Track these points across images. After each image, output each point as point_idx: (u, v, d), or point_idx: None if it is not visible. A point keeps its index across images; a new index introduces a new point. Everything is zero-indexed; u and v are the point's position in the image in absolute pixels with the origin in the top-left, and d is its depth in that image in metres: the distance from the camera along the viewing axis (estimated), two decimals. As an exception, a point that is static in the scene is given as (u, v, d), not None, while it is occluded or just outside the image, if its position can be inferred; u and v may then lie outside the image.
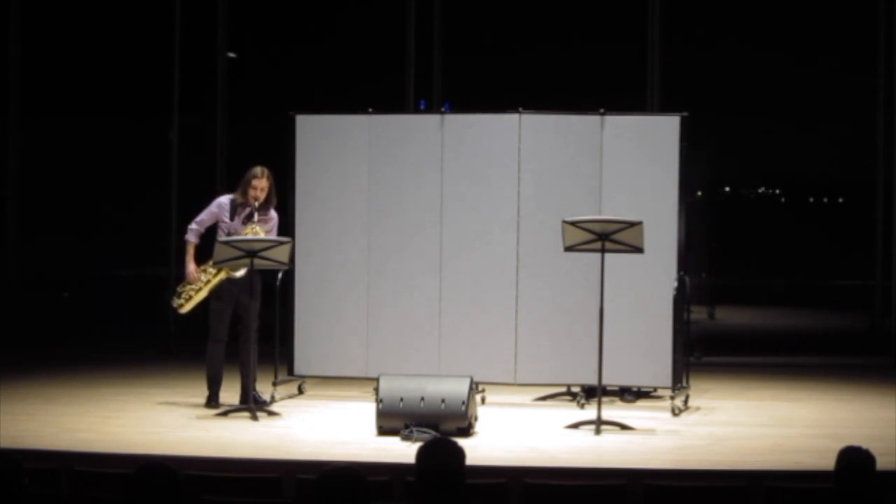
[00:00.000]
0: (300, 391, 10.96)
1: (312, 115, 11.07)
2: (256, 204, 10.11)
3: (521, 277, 10.60)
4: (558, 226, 9.56)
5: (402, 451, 8.43)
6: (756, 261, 21.00)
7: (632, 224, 9.38)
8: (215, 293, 10.20)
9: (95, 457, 8.11)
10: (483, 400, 10.34)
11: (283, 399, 10.57)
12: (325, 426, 9.54)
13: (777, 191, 25.53)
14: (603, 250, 9.42)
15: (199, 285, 10.23)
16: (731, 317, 18.44)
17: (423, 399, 9.09)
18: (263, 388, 10.37)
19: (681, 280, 10.36)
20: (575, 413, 9.94)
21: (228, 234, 10.13)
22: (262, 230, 10.11)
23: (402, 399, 9.09)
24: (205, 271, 10.22)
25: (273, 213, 10.32)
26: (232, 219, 10.22)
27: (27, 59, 14.77)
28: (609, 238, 9.38)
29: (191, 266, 10.25)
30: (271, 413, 9.92)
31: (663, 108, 12.96)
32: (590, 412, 9.65)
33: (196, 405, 10.18)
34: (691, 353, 11.58)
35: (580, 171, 10.55)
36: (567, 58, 15.50)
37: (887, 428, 9.28)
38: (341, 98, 14.09)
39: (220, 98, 14.39)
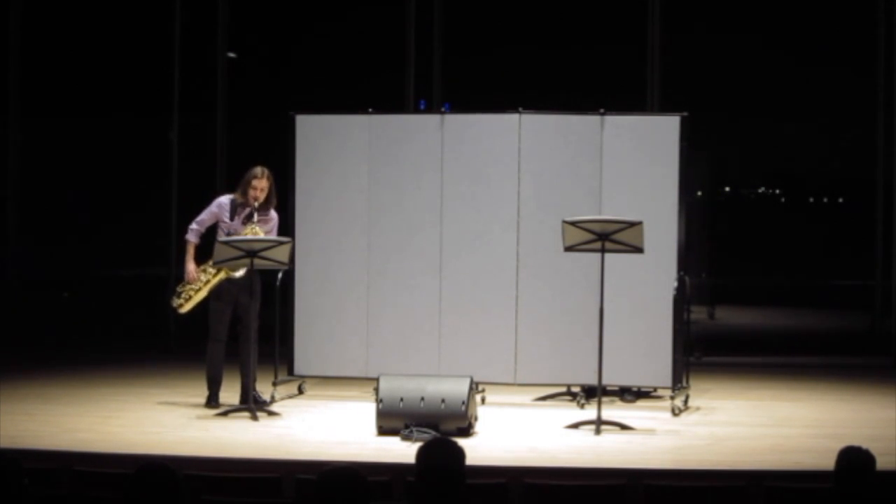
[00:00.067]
0: (300, 391, 10.96)
1: (312, 115, 11.07)
2: (256, 204, 10.11)
3: (521, 277, 10.60)
4: (558, 226, 9.56)
5: (402, 451, 8.42)
6: (756, 261, 21.00)
7: (632, 224, 9.38)
8: (214, 293, 10.20)
9: (95, 457, 8.11)
10: (483, 400, 10.34)
11: (283, 399, 10.57)
12: (325, 426, 9.53)
13: (777, 191, 25.53)
14: (603, 250, 9.42)
15: (198, 285, 10.23)
16: (731, 317, 18.44)
17: (423, 399, 9.09)
18: (263, 388, 10.37)
19: (681, 280, 10.36)
20: (575, 413, 9.93)
21: (228, 234, 10.13)
22: (261, 230, 10.11)
23: (402, 399, 9.09)
24: (204, 271, 10.22)
25: (273, 214, 10.32)
26: (232, 219, 10.22)
27: (27, 59, 14.77)
28: (609, 238, 9.38)
29: (190, 266, 10.25)
30: (271, 413, 9.92)
31: (663, 108, 12.96)
32: (590, 412, 9.65)
33: (196, 405, 10.18)
34: (691, 353, 11.58)
35: (580, 171, 10.55)
36: (567, 58, 15.51)
37: (887, 428, 9.28)
38: (341, 98, 14.08)
39: (220, 98, 14.38)
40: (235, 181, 10.39)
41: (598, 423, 9.24)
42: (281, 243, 9.87)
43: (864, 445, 5.56)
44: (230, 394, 10.20)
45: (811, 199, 25.40)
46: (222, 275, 10.14)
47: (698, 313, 15.97)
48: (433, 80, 14.17)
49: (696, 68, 15.80)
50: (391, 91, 14.15)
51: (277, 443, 8.80)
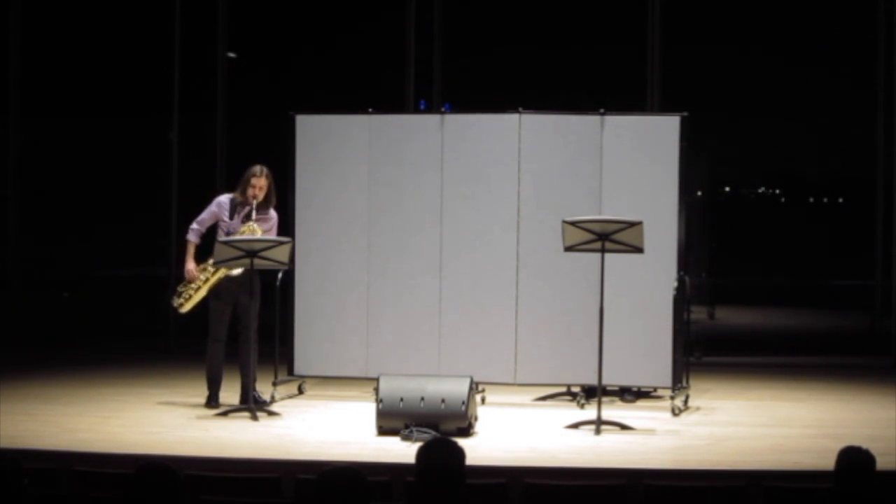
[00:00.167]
0: (300, 391, 10.96)
1: (312, 115, 11.07)
2: (255, 202, 10.11)
3: (521, 277, 10.60)
4: (558, 226, 9.56)
5: (402, 451, 8.42)
6: (756, 261, 21.00)
7: (632, 224, 9.38)
8: (214, 292, 10.20)
9: (95, 457, 8.10)
10: (483, 400, 10.34)
11: (283, 399, 10.56)
12: (325, 426, 9.53)
13: (777, 191, 25.54)
14: (603, 250, 9.42)
15: (198, 284, 10.23)
16: (731, 317, 18.44)
17: (423, 399, 9.09)
18: (263, 388, 10.37)
19: (681, 280, 10.36)
20: (575, 413, 9.93)
21: (228, 233, 10.13)
22: (259, 228, 10.10)
23: (402, 399, 9.08)
24: (204, 269, 10.22)
25: (273, 213, 10.31)
26: (231, 218, 10.22)
27: (27, 59, 14.77)
28: (609, 238, 9.38)
29: (190, 265, 10.25)
30: (271, 413, 9.92)
31: (663, 108, 12.96)
32: (590, 412, 9.65)
33: (196, 405, 10.18)
34: (691, 353, 11.57)
35: (580, 171, 10.55)
36: (567, 58, 15.51)
37: (887, 428, 9.28)
38: (341, 98, 14.09)
39: (220, 98, 14.38)
40: (235, 181, 10.39)
41: (598, 423, 9.24)
42: (281, 243, 9.87)
43: (864, 445, 5.56)
44: (230, 394, 10.20)
45: (811, 199, 25.41)
46: (221, 273, 10.15)
47: (698, 313, 15.97)
48: (433, 80, 14.17)
49: (696, 68, 15.81)
50: (391, 91, 14.16)
51: (277, 443, 8.79)
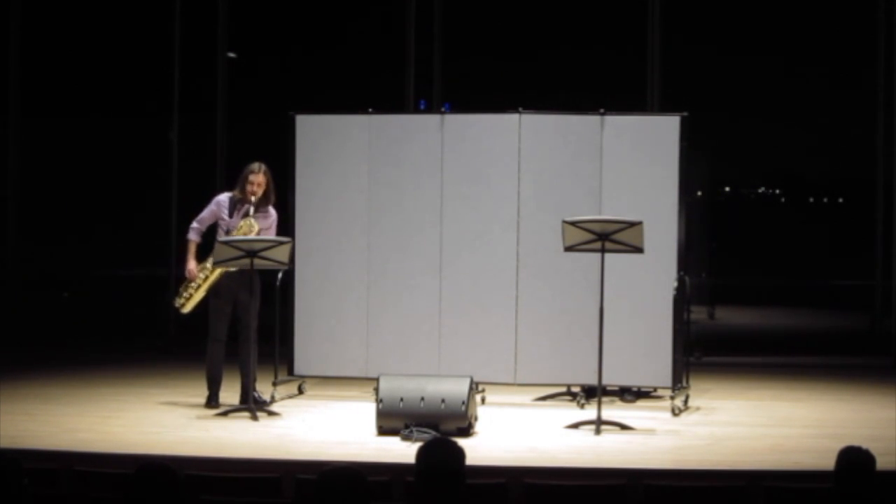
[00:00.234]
0: (300, 391, 10.96)
1: (312, 115, 11.07)
2: (253, 199, 10.10)
3: (521, 277, 10.60)
4: (558, 226, 9.56)
5: (402, 451, 8.42)
6: (756, 261, 20.99)
7: (632, 224, 9.38)
8: (213, 290, 10.20)
9: (95, 457, 8.10)
10: (483, 400, 10.34)
11: (283, 399, 10.56)
12: (325, 426, 9.53)
13: (777, 191, 25.53)
14: (603, 250, 9.42)
15: (198, 283, 10.23)
16: (731, 317, 18.44)
17: (423, 399, 9.09)
18: (263, 388, 10.36)
19: (681, 280, 10.36)
20: (575, 413, 9.93)
21: (227, 231, 10.14)
22: (257, 223, 10.09)
23: (402, 399, 9.08)
24: (203, 269, 10.22)
25: (272, 211, 10.31)
26: (231, 216, 10.22)
27: (27, 59, 14.77)
28: (609, 238, 9.38)
29: (191, 264, 10.26)
30: (271, 413, 9.92)
31: (663, 108, 12.96)
32: (590, 412, 9.65)
33: (196, 405, 10.18)
34: (691, 353, 11.57)
35: (580, 171, 10.54)
36: (567, 58, 15.51)
37: (887, 428, 9.28)
38: (341, 98, 14.08)
39: (220, 98, 14.39)
40: (235, 181, 10.39)
41: (598, 423, 9.24)
42: (281, 243, 9.87)
43: (864, 445, 5.56)
44: (230, 394, 10.20)
45: (811, 199, 25.40)
46: (219, 271, 10.14)
47: (698, 313, 15.97)
48: (433, 80, 14.17)
49: (696, 68, 15.80)
50: (391, 91, 14.16)
51: (277, 443, 8.79)
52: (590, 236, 9.40)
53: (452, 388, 9.12)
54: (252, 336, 10.11)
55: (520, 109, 10.66)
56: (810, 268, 21.04)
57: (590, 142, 10.54)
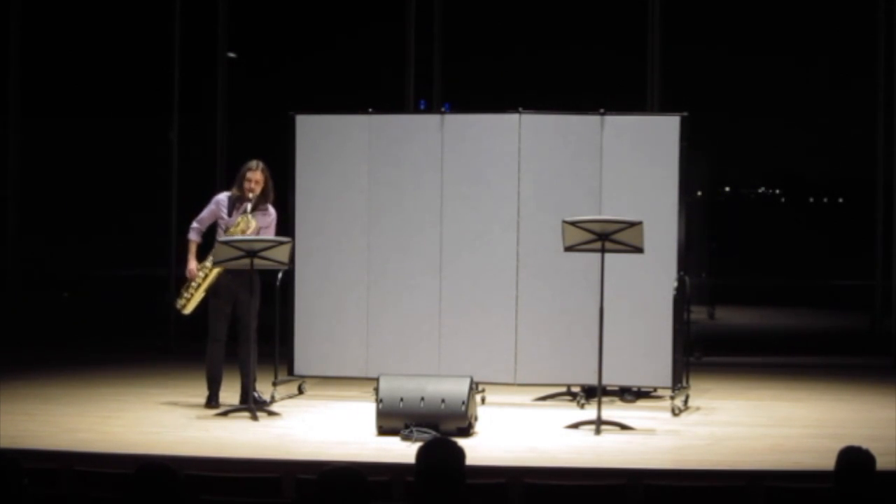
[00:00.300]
0: (300, 391, 10.96)
1: (312, 115, 11.07)
2: (251, 196, 10.10)
3: (521, 277, 10.60)
4: (558, 226, 9.56)
5: (402, 451, 8.42)
6: (756, 261, 20.99)
7: (632, 224, 9.38)
8: (213, 290, 10.20)
9: (95, 457, 8.10)
10: (483, 400, 10.34)
11: (283, 399, 10.56)
12: (325, 426, 9.53)
13: (777, 191, 25.53)
14: (603, 250, 9.42)
15: (198, 282, 10.23)
16: (731, 317, 18.44)
17: (423, 399, 9.09)
18: (263, 388, 10.36)
19: (681, 280, 10.36)
20: (575, 413, 9.93)
21: (226, 230, 10.13)
22: (254, 221, 10.08)
23: (402, 399, 9.08)
24: (203, 267, 10.22)
25: (271, 209, 10.31)
26: (230, 215, 10.22)
27: (27, 59, 14.77)
28: (609, 238, 9.38)
29: (192, 264, 10.26)
30: (271, 413, 9.92)
31: (663, 108, 12.96)
32: (590, 412, 9.65)
33: (196, 405, 10.18)
34: (691, 353, 11.57)
35: (580, 171, 10.54)
36: (567, 58, 15.51)
37: (887, 428, 9.28)
38: (341, 98, 14.09)
39: (220, 98, 14.38)
40: (234, 180, 10.38)
41: (598, 423, 9.24)
42: (281, 243, 9.87)
43: (864, 445, 5.56)
44: (230, 394, 10.20)
45: (811, 199, 25.39)
46: (218, 269, 10.14)
47: (698, 313, 15.96)
48: (433, 80, 14.17)
49: (696, 68, 15.80)
50: (391, 91, 14.16)
51: (277, 443, 8.79)
52: (590, 236, 9.40)
53: (452, 388, 9.11)
54: (252, 336, 10.11)
55: (520, 109, 10.66)
56: (810, 268, 21.04)
57: (590, 142, 10.54)
